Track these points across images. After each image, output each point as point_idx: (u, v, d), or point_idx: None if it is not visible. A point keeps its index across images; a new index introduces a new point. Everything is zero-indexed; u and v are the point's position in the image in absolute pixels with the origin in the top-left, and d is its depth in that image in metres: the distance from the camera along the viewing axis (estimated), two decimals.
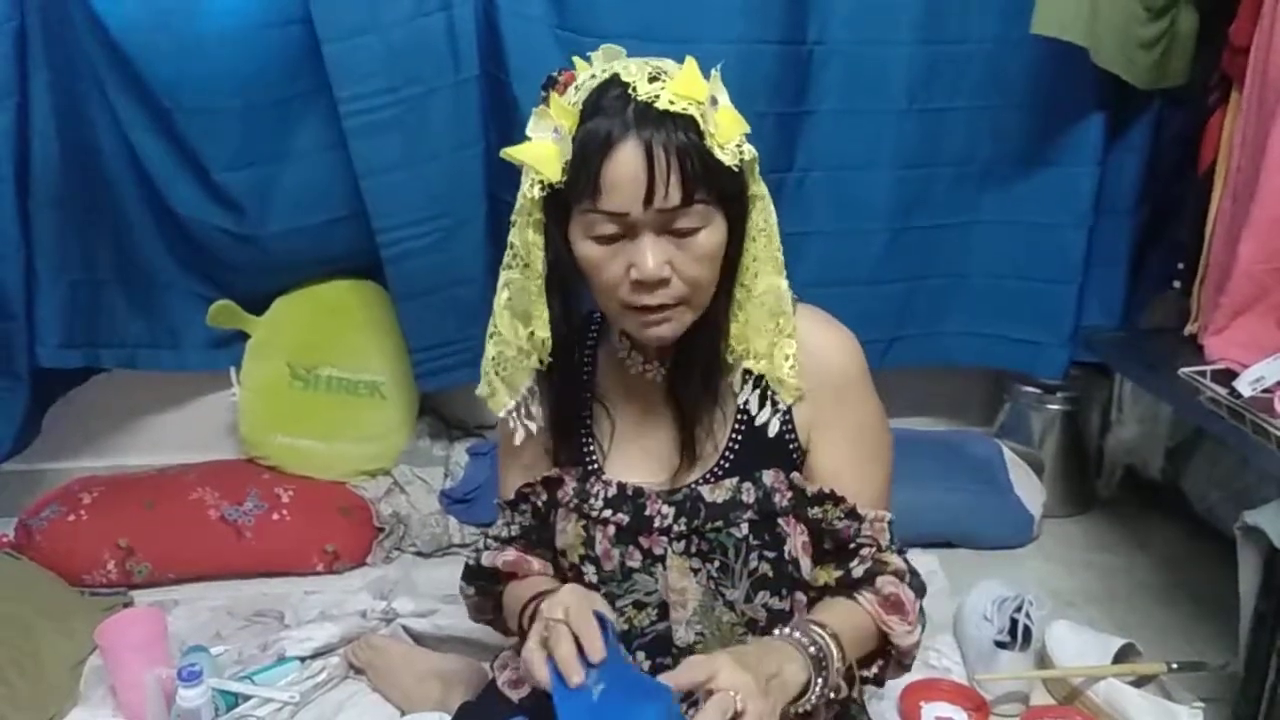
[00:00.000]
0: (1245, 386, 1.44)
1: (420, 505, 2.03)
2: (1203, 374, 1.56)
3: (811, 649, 0.94)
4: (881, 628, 1.03)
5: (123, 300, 2.00)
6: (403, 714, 1.51)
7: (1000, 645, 1.56)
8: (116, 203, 1.89)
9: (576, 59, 0.98)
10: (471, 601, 1.24)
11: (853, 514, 1.05)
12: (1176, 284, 1.90)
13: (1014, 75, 1.89)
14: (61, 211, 1.88)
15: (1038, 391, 2.17)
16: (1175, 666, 1.51)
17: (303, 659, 1.61)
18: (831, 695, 0.97)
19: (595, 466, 1.10)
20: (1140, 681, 1.52)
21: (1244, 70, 1.61)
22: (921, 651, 1.60)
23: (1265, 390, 1.43)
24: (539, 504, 1.13)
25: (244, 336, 2.06)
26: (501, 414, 1.09)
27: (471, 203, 1.89)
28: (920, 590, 1.07)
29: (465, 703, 1.28)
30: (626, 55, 0.98)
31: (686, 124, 0.90)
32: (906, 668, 1.10)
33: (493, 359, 1.08)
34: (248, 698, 1.52)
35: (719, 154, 0.91)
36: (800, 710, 0.94)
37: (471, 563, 1.20)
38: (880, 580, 1.04)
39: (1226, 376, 1.52)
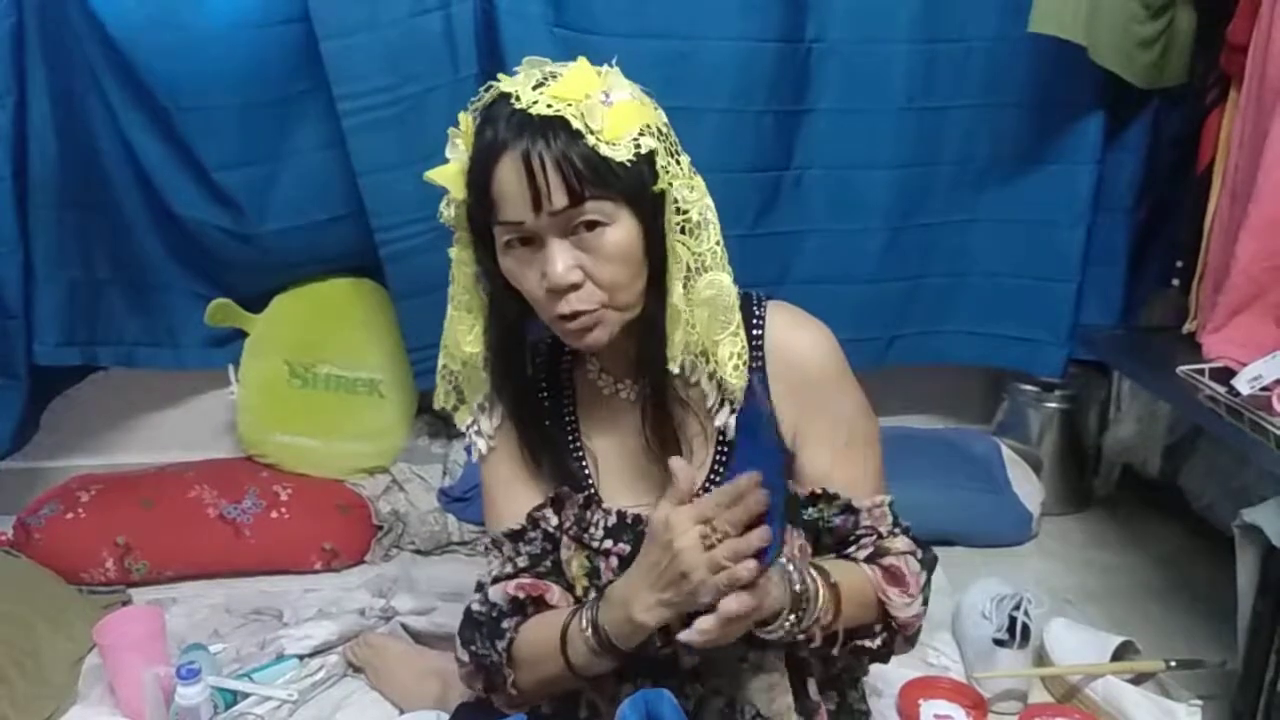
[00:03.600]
0: (1243, 384, 1.44)
1: (419, 503, 2.03)
2: (1201, 372, 1.56)
3: (797, 586, 0.93)
4: (880, 596, 1.03)
5: (121, 298, 2.00)
6: (401, 712, 1.51)
7: (999, 643, 1.56)
8: (115, 201, 1.89)
9: (501, 75, 0.97)
10: (466, 670, 1.10)
11: (848, 509, 1.05)
12: (1175, 282, 1.91)
13: (1012, 74, 1.89)
14: (60, 210, 1.88)
15: (1036, 389, 2.17)
16: (1173, 664, 1.52)
17: (301, 657, 1.61)
18: (800, 637, 0.97)
19: (593, 493, 1.09)
20: (1138, 679, 1.53)
21: (1242, 69, 1.61)
22: (920, 649, 1.62)
23: (1263, 388, 1.42)
24: (549, 529, 1.09)
25: (242, 335, 2.06)
26: (462, 427, 1.11)
27: None
28: (929, 564, 1.06)
29: (463, 701, 1.28)
30: (616, 57, 0.97)
31: (566, 126, 0.90)
32: (911, 642, 1.08)
33: (441, 371, 1.09)
34: (246, 696, 1.52)
35: (606, 150, 0.90)
36: (764, 636, 0.94)
37: (477, 608, 1.08)
38: (885, 559, 1.04)
39: (1225, 374, 1.52)
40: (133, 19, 1.69)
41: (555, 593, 1.06)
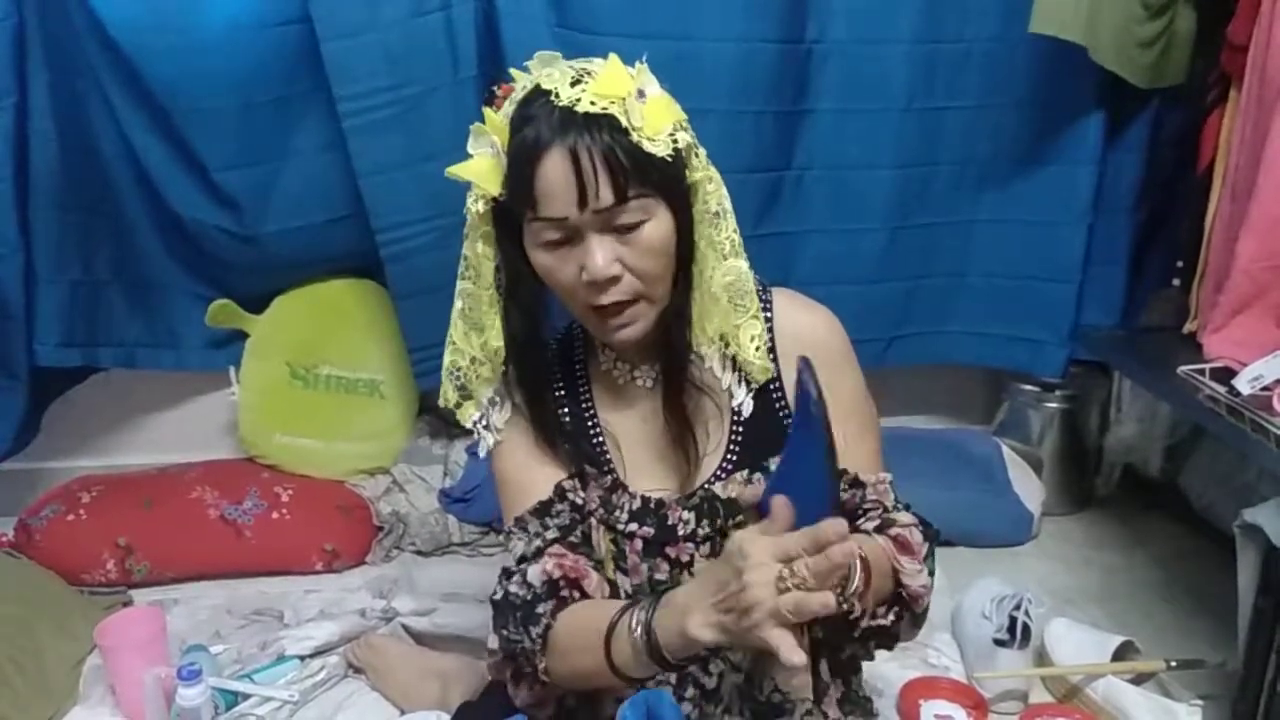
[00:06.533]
0: (1244, 384, 1.44)
1: (419, 504, 2.03)
2: (1201, 372, 1.56)
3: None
4: (893, 564, 1.02)
5: (122, 299, 2.00)
6: (402, 713, 1.51)
7: (999, 643, 1.56)
8: (116, 202, 1.89)
9: (514, 71, 0.98)
10: (495, 660, 1.06)
11: (856, 483, 1.06)
12: (1175, 282, 1.91)
13: (1013, 74, 1.90)
14: (60, 211, 1.88)
15: (1037, 390, 2.17)
16: (1174, 664, 1.52)
17: (302, 658, 1.61)
18: (844, 606, 0.95)
19: (616, 478, 1.09)
20: (1139, 679, 1.53)
21: (1242, 69, 1.61)
22: (920, 649, 1.62)
23: (1264, 388, 1.43)
24: (577, 500, 1.08)
25: (243, 336, 2.06)
26: (468, 424, 1.10)
27: None
28: (932, 537, 1.06)
29: (465, 702, 1.28)
30: (626, 55, 0.98)
31: (610, 123, 0.91)
32: (918, 624, 1.06)
33: (447, 368, 1.09)
34: (247, 696, 1.52)
35: (648, 146, 0.92)
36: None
37: (514, 589, 1.03)
38: (893, 530, 1.04)
39: (1225, 374, 1.52)
40: (134, 20, 1.69)
41: (593, 580, 1.04)
